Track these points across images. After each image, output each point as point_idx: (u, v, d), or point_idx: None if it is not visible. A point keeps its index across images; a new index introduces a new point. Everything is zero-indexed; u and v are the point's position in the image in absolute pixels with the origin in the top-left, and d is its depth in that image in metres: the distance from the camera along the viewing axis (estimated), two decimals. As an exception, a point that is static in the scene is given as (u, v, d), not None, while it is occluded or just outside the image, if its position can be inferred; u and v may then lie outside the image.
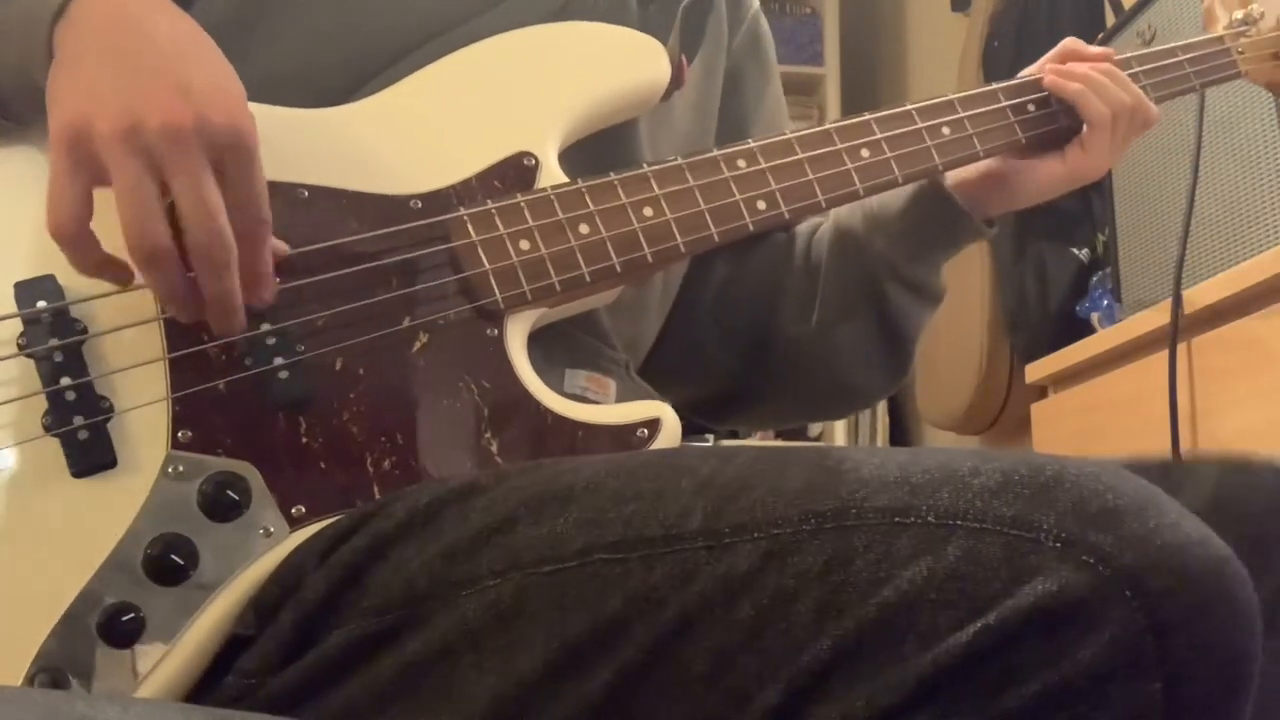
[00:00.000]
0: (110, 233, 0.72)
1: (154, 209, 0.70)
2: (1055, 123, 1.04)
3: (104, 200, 0.71)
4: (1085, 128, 1.03)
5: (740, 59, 1.12)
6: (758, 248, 1.11)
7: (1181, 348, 1.64)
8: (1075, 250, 2.47)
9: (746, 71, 1.12)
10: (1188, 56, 1.13)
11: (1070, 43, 1.08)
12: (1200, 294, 1.66)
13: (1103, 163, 1.04)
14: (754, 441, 3.31)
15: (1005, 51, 2.73)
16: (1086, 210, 2.48)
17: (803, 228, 1.11)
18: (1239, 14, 1.14)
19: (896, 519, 0.57)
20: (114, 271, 0.74)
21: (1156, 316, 1.74)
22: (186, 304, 0.73)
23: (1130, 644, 0.53)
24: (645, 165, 0.88)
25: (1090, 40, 1.11)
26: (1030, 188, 1.05)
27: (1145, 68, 1.09)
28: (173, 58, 0.73)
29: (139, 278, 0.73)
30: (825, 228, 1.10)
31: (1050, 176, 1.04)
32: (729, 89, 1.10)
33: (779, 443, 3.37)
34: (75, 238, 0.71)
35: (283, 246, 0.78)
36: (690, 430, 0.87)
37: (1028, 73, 1.07)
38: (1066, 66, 1.05)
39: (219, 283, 0.72)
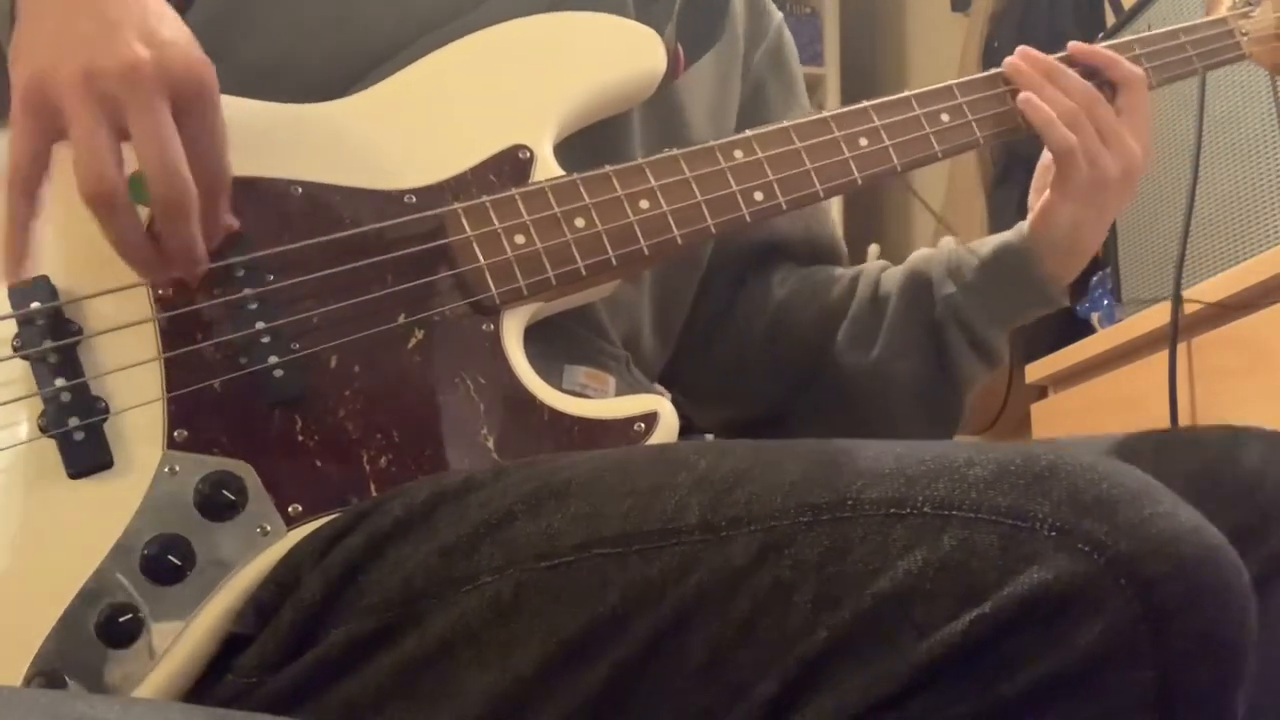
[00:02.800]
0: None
1: (108, 152, 0.70)
2: None
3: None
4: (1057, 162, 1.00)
5: (763, 73, 1.12)
6: (817, 276, 1.11)
7: (1181, 348, 1.64)
8: (1075, 250, 2.47)
9: (770, 87, 1.12)
10: (1190, 39, 1.12)
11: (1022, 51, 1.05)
12: (1200, 294, 1.66)
13: (1100, 175, 1.00)
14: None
15: (1005, 51, 2.69)
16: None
17: (872, 266, 1.11)
18: (1243, -5, 1.14)
19: (892, 510, 0.57)
20: (17, 253, 0.72)
21: (1156, 316, 1.74)
22: (142, 252, 0.73)
23: (1125, 632, 0.53)
24: (641, 158, 0.88)
25: (1090, 41, 1.11)
26: (1058, 231, 1.02)
27: (1147, 50, 1.08)
28: (134, 10, 0.72)
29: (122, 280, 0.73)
30: (896, 268, 1.09)
31: (1061, 212, 1.02)
32: (752, 103, 1.10)
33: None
34: (21, 186, 0.70)
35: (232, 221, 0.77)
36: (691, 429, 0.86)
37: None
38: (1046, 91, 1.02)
39: (178, 228, 0.72)
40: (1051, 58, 1.04)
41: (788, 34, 1.16)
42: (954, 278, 1.04)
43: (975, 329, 1.04)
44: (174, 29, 0.73)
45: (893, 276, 1.08)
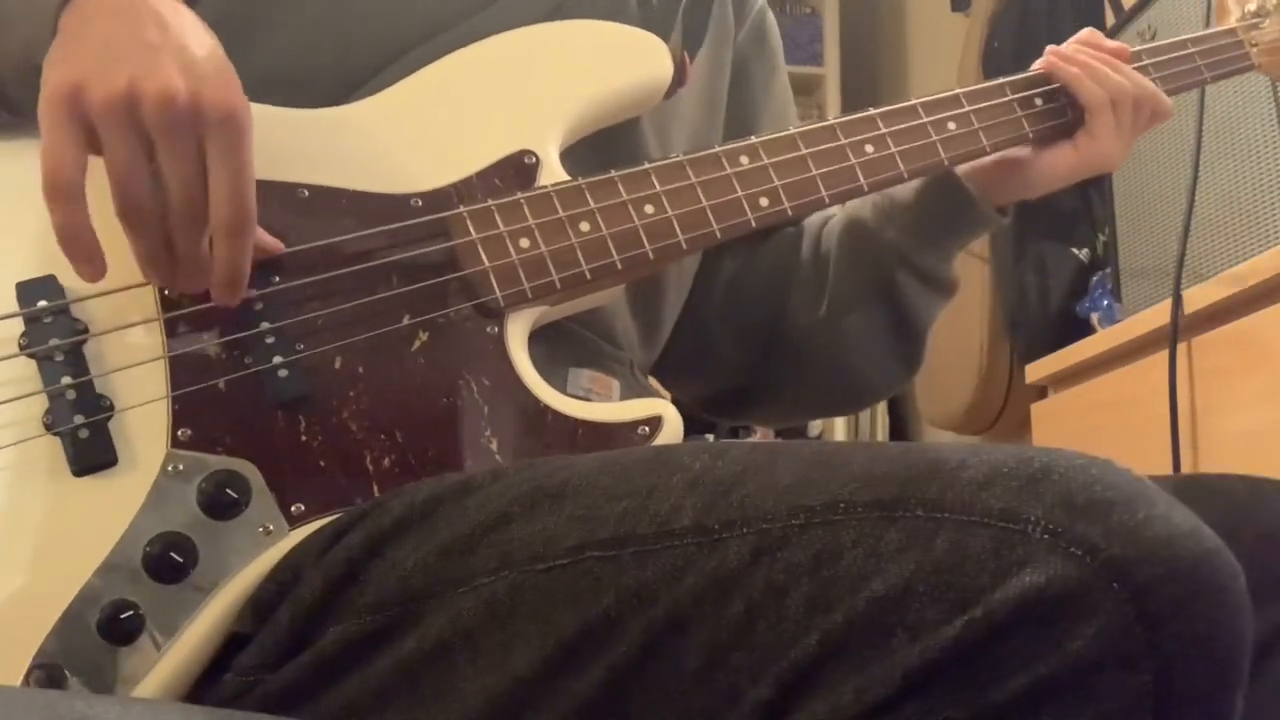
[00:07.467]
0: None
1: (144, 180, 0.71)
2: (1063, 116, 1.03)
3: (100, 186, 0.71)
4: (1087, 114, 1.02)
5: (746, 52, 1.11)
6: (767, 242, 1.11)
7: (1181, 348, 1.64)
8: (1075, 250, 2.47)
9: (752, 65, 1.12)
10: (1199, 49, 1.12)
11: (1088, 33, 1.08)
12: (1200, 294, 1.66)
13: (1112, 150, 1.03)
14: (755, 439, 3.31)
15: (1005, 51, 2.73)
16: (1086, 210, 2.48)
17: (813, 220, 1.11)
18: (1252, 6, 1.14)
19: (885, 513, 0.57)
20: (90, 255, 0.72)
21: (1156, 316, 1.74)
22: (163, 267, 0.73)
23: (1119, 635, 0.53)
24: (646, 163, 0.88)
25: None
26: (1044, 176, 1.04)
27: (1154, 60, 1.08)
28: (176, 38, 0.73)
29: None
30: (835, 219, 1.09)
31: (1063, 164, 1.03)
32: (735, 83, 1.09)
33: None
34: (69, 188, 0.70)
35: (277, 244, 0.78)
36: (695, 429, 0.86)
37: (1037, 66, 1.06)
38: (1069, 51, 1.04)
39: (189, 241, 0.72)
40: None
41: (770, 16, 1.16)
42: (890, 221, 1.04)
43: (917, 263, 1.04)
44: (214, 61, 0.73)
45: (833, 231, 1.08)
